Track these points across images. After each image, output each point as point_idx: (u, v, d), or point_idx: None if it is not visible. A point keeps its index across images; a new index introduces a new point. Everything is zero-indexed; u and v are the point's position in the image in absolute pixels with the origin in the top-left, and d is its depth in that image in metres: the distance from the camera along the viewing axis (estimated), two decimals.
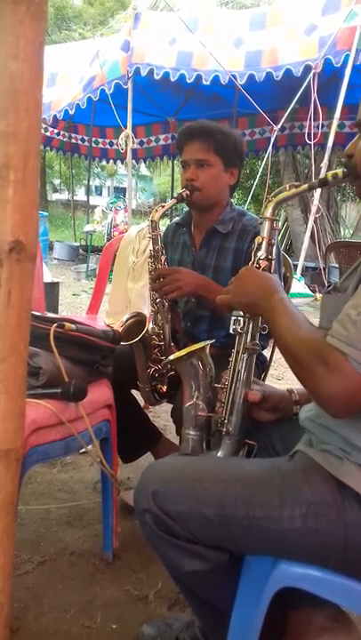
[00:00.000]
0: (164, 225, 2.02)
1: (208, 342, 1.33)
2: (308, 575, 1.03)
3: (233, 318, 1.24)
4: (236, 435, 1.25)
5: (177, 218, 2.12)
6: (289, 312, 1.08)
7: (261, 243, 1.26)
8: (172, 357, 1.33)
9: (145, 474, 1.14)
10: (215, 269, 1.91)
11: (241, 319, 1.24)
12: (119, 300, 3.12)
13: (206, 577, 1.09)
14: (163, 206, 1.89)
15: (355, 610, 1.13)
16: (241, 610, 1.09)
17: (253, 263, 1.25)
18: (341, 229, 12.14)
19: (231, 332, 1.25)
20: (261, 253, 1.25)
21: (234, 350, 1.26)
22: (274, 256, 1.28)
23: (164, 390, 1.92)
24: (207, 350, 1.32)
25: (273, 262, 1.27)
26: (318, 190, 4.86)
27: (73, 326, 1.55)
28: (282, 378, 3.91)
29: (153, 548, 1.12)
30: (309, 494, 1.02)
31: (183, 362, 1.31)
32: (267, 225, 1.26)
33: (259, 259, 1.25)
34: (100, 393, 1.69)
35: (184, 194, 1.85)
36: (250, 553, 1.10)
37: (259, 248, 1.26)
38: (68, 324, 1.54)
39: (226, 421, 1.25)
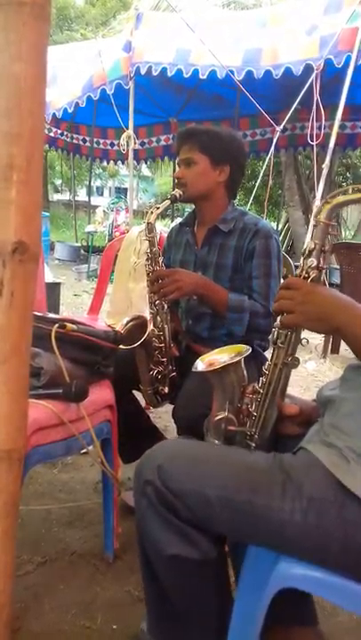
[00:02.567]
0: (165, 225, 2.02)
1: (245, 353, 1.25)
2: (309, 576, 1.03)
3: (274, 331, 1.15)
4: (264, 448, 1.21)
5: (179, 218, 2.13)
6: None
7: (313, 249, 1.10)
8: (205, 369, 1.25)
9: (153, 449, 1.14)
10: (216, 267, 1.93)
11: (283, 333, 1.13)
12: (120, 301, 3.12)
13: (184, 568, 1.07)
14: (158, 208, 1.90)
15: (356, 611, 1.13)
16: (241, 609, 1.09)
17: (302, 272, 1.11)
18: (343, 231, 12.15)
19: (271, 345, 1.17)
20: (312, 261, 1.10)
21: (270, 363, 1.17)
22: (325, 265, 1.13)
23: (166, 392, 1.92)
24: (242, 362, 1.25)
25: (323, 272, 1.13)
26: (320, 191, 4.86)
27: (74, 327, 1.55)
28: None
29: (139, 525, 1.11)
30: (311, 490, 1.02)
31: (217, 374, 1.24)
32: (320, 229, 1.11)
33: (309, 267, 1.10)
34: (102, 393, 1.69)
35: (177, 194, 1.89)
36: (249, 541, 1.09)
37: (309, 255, 1.10)
38: (69, 325, 1.54)
39: (256, 436, 1.20)
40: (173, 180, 10.61)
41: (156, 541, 1.08)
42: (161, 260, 1.89)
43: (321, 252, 1.11)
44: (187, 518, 1.06)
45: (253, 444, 1.20)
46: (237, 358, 1.23)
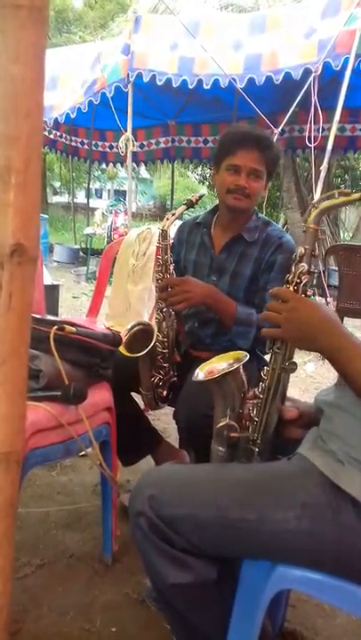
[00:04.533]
0: (174, 226, 1.97)
1: (243, 360, 1.24)
2: (307, 578, 1.03)
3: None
4: (267, 453, 1.21)
5: (178, 221, 2.09)
6: (357, 348, 1.03)
7: (303, 254, 1.13)
8: (205, 378, 1.24)
9: (142, 479, 1.14)
10: (233, 274, 1.91)
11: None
12: (119, 303, 3.12)
13: (189, 592, 1.07)
14: (173, 214, 1.86)
15: (354, 613, 1.13)
16: (240, 612, 1.09)
17: (294, 277, 1.12)
18: (341, 232, 12.15)
19: (267, 350, 1.17)
20: (303, 266, 1.12)
21: (269, 368, 1.17)
22: (316, 269, 1.17)
23: (165, 395, 1.92)
24: (241, 369, 1.24)
25: (314, 276, 1.15)
26: (318, 193, 4.86)
27: (73, 329, 1.55)
28: None
29: (140, 555, 1.11)
30: (304, 496, 1.02)
31: (216, 382, 1.23)
32: (310, 234, 1.13)
33: (300, 272, 1.12)
34: (100, 395, 1.69)
35: (193, 199, 1.85)
36: (246, 557, 1.09)
37: (300, 260, 1.12)
38: (68, 327, 1.54)
39: (259, 441, 1.20)
40: (172, 183, 10.66)
41: (156, 572, 1.08)
42: (172, 267, 1.86)
43: (311, 257, 1.12)
44: (181, 545, 1.05)
45: (256, 449, 1.20)
46: (236, 366, 1.23)
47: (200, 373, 1.27)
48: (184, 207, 1.87)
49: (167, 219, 1.85)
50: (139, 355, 1.77)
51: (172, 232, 1.94)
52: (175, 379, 1.91)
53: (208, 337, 1.95)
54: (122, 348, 1.72)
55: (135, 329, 1.81)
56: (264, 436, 1.20)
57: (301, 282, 1.12)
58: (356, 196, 1.09)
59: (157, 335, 1.86)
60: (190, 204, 1.86)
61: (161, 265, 1.85)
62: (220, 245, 1.95)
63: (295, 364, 1.15)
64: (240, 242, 1.91)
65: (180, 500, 1.06)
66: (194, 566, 1.06)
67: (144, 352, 1.77)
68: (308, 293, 1.13)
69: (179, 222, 2.16)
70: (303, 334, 1.07)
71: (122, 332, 1.78)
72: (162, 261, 1.85)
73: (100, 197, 26.75)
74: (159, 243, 1.86)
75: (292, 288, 1.12)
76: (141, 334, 1.81)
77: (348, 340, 1.04)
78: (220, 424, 1.23)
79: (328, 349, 1.05)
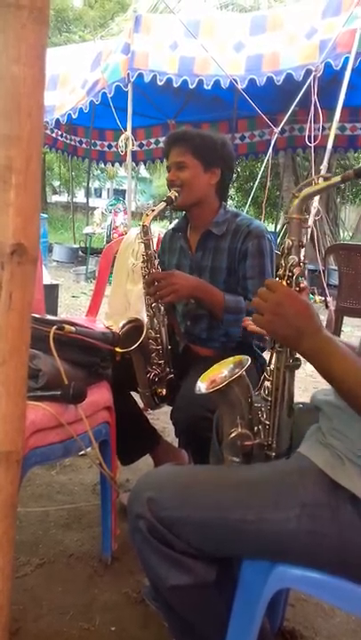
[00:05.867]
0: (163, 227, 2.01)
1: (245, 364, 1.21)
2: (306, 577, 1.03)
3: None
4: (283, 454, 1.18)
5: (177, 219, 2.12)
6: (340, 351, 1.01)
7: (291, 246, 1.09)
8: (209, 389, 1.19)
9: (140, 481, 1.13)
10: (212, 270, 1.93)
11: None
12: (119, 302, 3.12)
13: (188, 594, 1.07)
14: (153, 210, 1.88)
15: (353, 612, 1.13)
16: (240, 611, 1.09)
17: (285, 271, 1.10)
18: (341, 232, 12.16)
19: (270, 350, 1.14)
20: (292, 258, 1.09)
21: (272, 368, 1.14)
22: (304, 259, 1.12)
23: (164, 393, 1.92)
24: (244, 374, 1.19)
25: (305, 266, 1.12)
26: None
27: (72, 328, 1.55)
28: None
29: (139, 557, 1.10)
30: (304, 495, 1.02)
31: (221, 392, 1.18)
32: (294, 225, 1.10)
33: (291, 265, 1.09)
34: (100, 395, 1.69)
35: (173, 196, 1.87)
36: (247, 557, 1.09)
37: (289, 252, 1.09)
38: (67, 327, 1.54)
39: (274, 445, 1.17)
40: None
41: (156, 575, 1.08)
42: (157, 262, 1.88)
43: (299, 248, 1.10)
44: (180, 547, 1.05)
45: (273, 454, 1.17)
46: (238, 372, 1.18)
47: (202, 386, 1.22)
48: (163, 204, 1.88)
49: (147, 214, 1.87)
50: (129, 350, 1.77)
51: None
52: (172, 375, 1.91)
53: (203, 332, 1.97)
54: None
55: (127, 327, 1.82)
56: (279, 439, 1.16)
57: (293, 274, 1.09)
58: (336, 179, 1.05)
59: (150, 332, 1.87)
60: (170, 201, 1.87)
61: (146, 261, 1.87)
62: (195, 245, 1.99)
63: (299, 359, 1.12)
64: (210, 237, 1.94)
65: (180, 502, 1.06)
66: (193, 568, 1.06)
67: (134, 347, 1.78)
68: (302, 285, 1.10)
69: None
70: (286, 333, 1.05)
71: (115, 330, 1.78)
72: (146, 257, 1.86)
73: (100, 197, 26.73)
74: (141, 239, 1.87)
75: (285, 282, 1.10)
76: (133, 331, 1.82)
77: (329, 341, 1.03)
78: (233, 434, 1.18)
79: (307, 349, 1.04)
